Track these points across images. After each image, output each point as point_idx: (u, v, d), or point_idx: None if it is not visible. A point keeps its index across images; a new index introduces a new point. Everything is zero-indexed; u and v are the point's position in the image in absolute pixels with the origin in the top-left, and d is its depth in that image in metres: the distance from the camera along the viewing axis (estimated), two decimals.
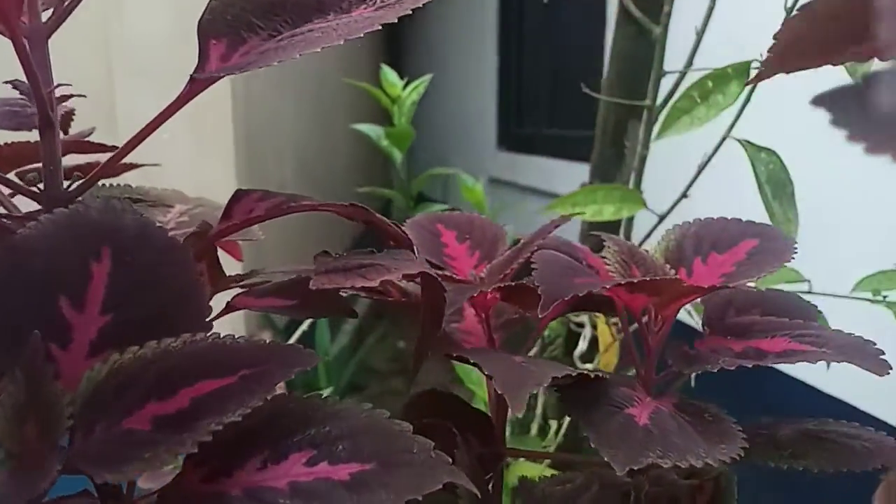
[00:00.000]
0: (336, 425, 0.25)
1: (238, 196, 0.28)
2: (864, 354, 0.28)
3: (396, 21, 0.26)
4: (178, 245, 0.27)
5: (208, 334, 0.25)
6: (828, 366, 0.32)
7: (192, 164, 1.58)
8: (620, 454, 0.25)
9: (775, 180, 0.70)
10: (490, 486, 0.36)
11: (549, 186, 2.40)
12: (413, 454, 0.24)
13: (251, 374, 0.24)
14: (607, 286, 0.31)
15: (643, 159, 0.83)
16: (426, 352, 0.27)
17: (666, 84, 0.80)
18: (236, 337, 0.26)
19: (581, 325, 0.98)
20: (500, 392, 0.25)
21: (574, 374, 0.28)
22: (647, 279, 0.31)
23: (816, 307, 0.41)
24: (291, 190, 0.36)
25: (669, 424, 0.28)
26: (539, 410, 0.96)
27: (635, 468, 0.25)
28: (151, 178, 0.44)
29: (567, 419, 0.73)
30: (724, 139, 0.74)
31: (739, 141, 0.72)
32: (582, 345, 0.96)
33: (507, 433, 0.71)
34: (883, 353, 0.28)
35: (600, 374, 0.30)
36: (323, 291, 0.29)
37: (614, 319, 1.01)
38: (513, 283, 0.31)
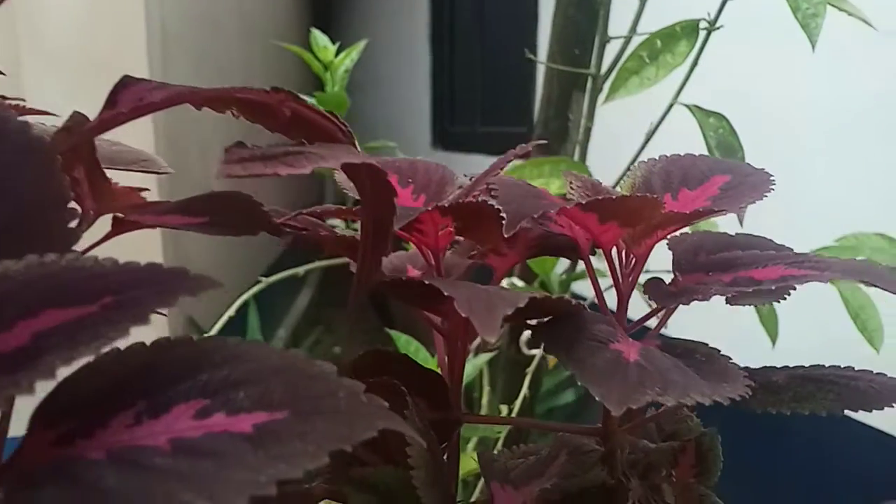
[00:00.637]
0: (238, 369, 0.19)
1: (125, 82, 0.22)
2: (875, 273, 0.24)
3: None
4: (36, 144, 0.21)
5: (66, 256, 0.19)
6: None
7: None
8: (614, 392, 0.20)
9: (725, 145, 0.67)
10: (446, 455, 0.31)
11: None
12: (338, 399, 0.18)
13: (115, 301, 0.18)
14: (582, 203, 0.25)
15: (588, 131, 0.79)
16: (369, 277, 0.22)
17: (610, 52, 0.77)
18: (101, 259, 0.19)
19: None
20: (465, 315, 0.19)
21: (552, 298, 0.23)
22: (624, 196, 0.26)
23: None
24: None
25: (663, 362, 0.23)
26: (486, 400, 0.91)
27: (633, 407, 0.20)
28: None
29: (519, 403, 0.69)
30: (671, 105, 0.71)
31: (687, 106, 0.69)
32: (528, 331, 0.91)
33: None
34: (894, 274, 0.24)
35: (578, 303, 0.25)
36: (241, 204, 0.23)
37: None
38: (469, 204, 0.26)
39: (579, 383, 0.21)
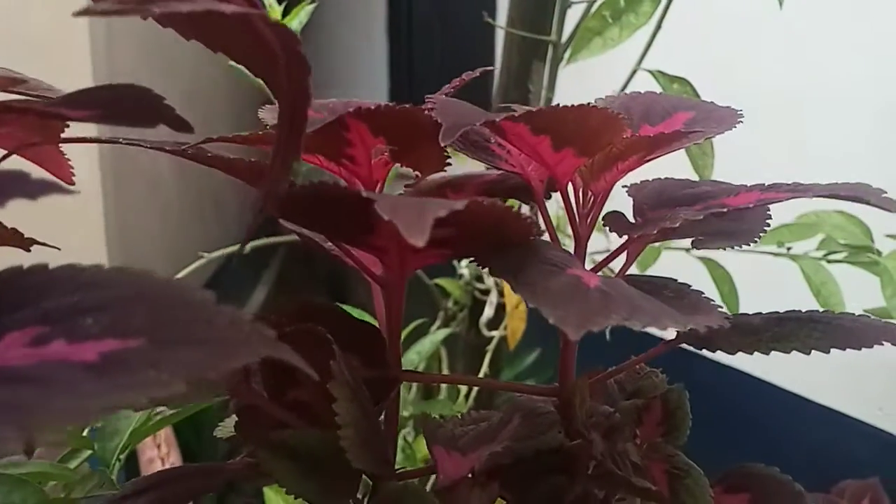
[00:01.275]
0: (92, 296, 0.15)
1: None
2: (864, 191, 0.21)
3: None
4: None
5: None
6: None
7: None
8: (572, 315, 0.17)
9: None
10: (384, 416, 0.27)
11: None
12: (212, 326, 0.14)
13: None
14: (533, 118, 0.22)
15: (549, 102, 0.76)
16: (278, 185, 0.18)
17: (572, 20, 0.74)
18: None
19: (486, 292, 0.91)
20: (388, 218, 0.15)
21: (498, 205, 0.19)
22: (581, 109, 0.22)
23: None
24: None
25: (629, 290, 0.19)
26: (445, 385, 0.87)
27: (595, 329, 0.17)
28: None
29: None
30: (634, 71, 0.69)
31: (650, 71, 0.67)
32: (488, 311, 0.88)
33: (413, 396, 0.64)
34: (885, 192, 0.22)
35: (531, 219, 0.21)
36: (137, 94, 0.19)
37: None
38: (403, 110, 0.22)
39: (531, 305, 0.18)
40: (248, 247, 0.82)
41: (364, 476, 0.25)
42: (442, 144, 0.20)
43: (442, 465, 0.26)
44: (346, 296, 1.96)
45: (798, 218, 0.90)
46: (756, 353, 0.23)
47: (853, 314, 0.26)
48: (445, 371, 0.95)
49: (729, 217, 0.32)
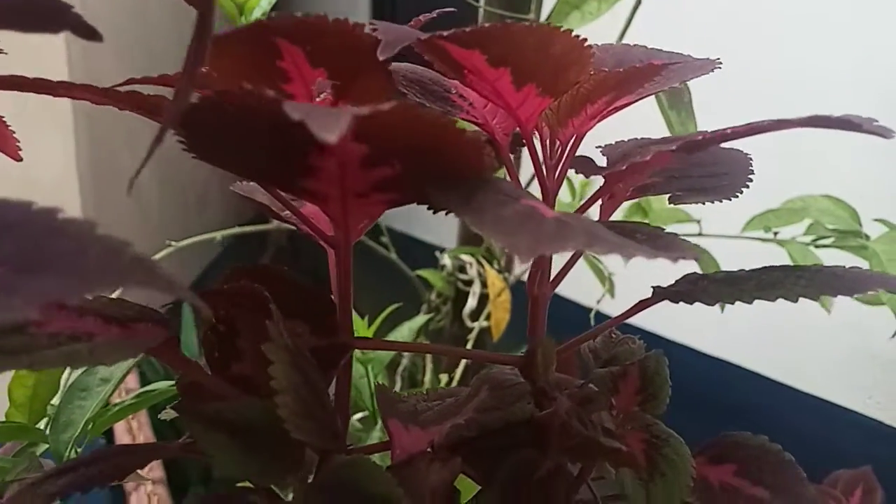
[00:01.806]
0: None
1: None
2: (853, 119, 0.19)
3: None
4: None
5: None
6: None
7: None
8: (523, 239, 0.15)
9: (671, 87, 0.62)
10: (335, 389, 0.24)
11: None
12: (82, 255, 0.12)
13: None
14: (484, 28, 0.20)
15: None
16: (185, 95, 0.15)
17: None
18: None
19: (469, 283, 0.89)
20: (298, 119, 0.13)
21: (431, 113, 0.17)
22: (542, 31, 0.20)
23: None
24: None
25: (588, 221, 0.17)
26: (428, 377, 0.85)
27: (547, 253, 0.15)
28: None
29: (459, 374, 0.63)
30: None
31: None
32: (471, 301, 0.86)
33: (398, 387, 0.61)
34: (876, 120, 0.19)
35: (479, 137, 0.19)
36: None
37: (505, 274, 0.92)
38: (336, 23, 0.19)
39: (480, 232, 0.15)
40: (233, 237, 0.80)
41: (313, 452, 0.22)
42: (380, 59, 0.18)
43: (398, 439, 0.24)
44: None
45: (785, 203, 0.89)
46: (739, 302, 0.21)
47: (843, 266, 0.24)
48: (430, 366, 0.92)
49: (709, 172, 0.30)
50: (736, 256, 0.87)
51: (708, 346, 1.24)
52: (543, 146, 0.26)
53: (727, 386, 1.20)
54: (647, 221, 0.91)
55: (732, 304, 0.21)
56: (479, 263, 0.89)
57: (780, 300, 0.21)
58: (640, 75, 0.23)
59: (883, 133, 0.18)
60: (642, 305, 0.25)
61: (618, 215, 0.95)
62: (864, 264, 0.77)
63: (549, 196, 0.26)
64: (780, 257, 0.82)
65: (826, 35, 1.11)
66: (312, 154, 0.18)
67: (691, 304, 0.22)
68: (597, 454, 0.24)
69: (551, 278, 0.27)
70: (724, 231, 0.89)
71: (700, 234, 0.89)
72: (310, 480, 0.22)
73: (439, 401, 0.29)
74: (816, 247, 0.84)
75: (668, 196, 0.29)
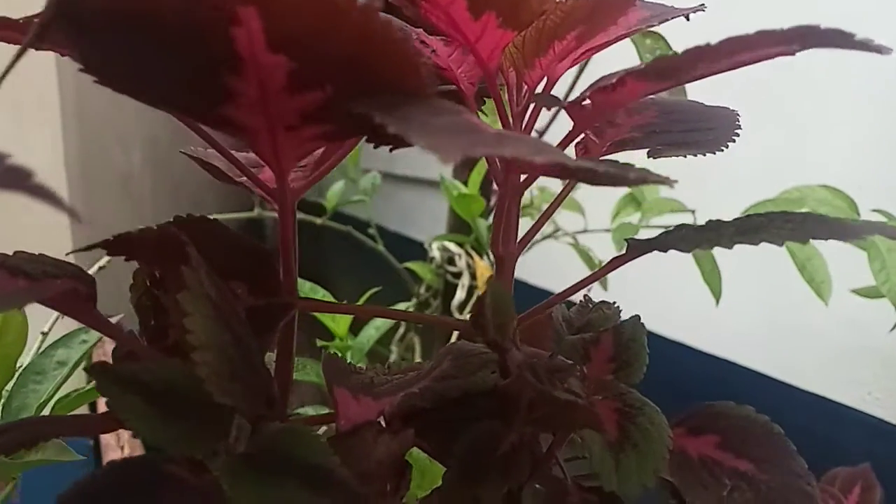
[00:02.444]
0: None
1: None
2: (842, 35, 0.17)
3: None
4: None
5: None
6: None
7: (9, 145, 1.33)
8: (451, 141, 0.12)
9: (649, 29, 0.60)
10: (276, 352, 0.22)
11: (426, 174, 2.29)
12: None
13: None
14: None
15: None
16: None
17: None
18: None
19: (458, 275, 0.86)
20: None
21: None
22: None
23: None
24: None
25: (537, 139, 0.15)
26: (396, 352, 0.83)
27: (475, 155, 0.12)
28: None
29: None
30: None
31: None
32: (460, 293, 0.84)
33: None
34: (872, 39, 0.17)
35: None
36: None
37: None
38: None
39: (403, 136, 0.13)
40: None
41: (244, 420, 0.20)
42: None
43: (345, 409, 0.21)
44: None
45: (781, 194, 0.87)
46: (718, 248, 0.18)
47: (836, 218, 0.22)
48: (418, 360, 0.90)
49: (692, 127, 0.28)
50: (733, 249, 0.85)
51: (702, 343, 1.21)
52: (510, 92, 0.24)
53: (722, 383, 1.17)
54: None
55: (710, 249, 0.19)
56: (468, 255, 0.87)
57: (767, 233, 0.19)
58: (612, 6, 0.21)
59: (878, 49, 0.16)
60: (616, 263, 0.23)
61: (610, 208, 0.92)
62: (862, 255, 0.75)
63: None
64: (777, 248, 0.80)
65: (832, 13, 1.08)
66: (228, 72, 0.16)
67: (665, 251, 0.20)
68: (566, 423, 0.22)
69: (518, 239, 0.25)
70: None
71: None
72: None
73: (401, 375, 0.27)
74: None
75: (646, 151, 0.26)
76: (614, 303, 0.27)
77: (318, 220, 0.83)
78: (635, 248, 0.22)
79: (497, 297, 0.18)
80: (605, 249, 0.84)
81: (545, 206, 0.97)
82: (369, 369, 0.26)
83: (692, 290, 0.96)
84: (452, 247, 0.88)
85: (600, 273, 0.23)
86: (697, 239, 0.19)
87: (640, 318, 0.25)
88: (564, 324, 0.26)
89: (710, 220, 0.20)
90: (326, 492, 0.17)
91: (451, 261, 0.88)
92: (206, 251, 0.21)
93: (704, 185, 1.00)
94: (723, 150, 0.26)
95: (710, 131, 0.27)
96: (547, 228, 0.92)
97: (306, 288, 0.62)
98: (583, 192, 0.97)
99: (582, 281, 0.24)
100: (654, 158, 0.26)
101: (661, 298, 1.03)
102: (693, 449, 0.22)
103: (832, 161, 1.02)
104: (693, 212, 0.85)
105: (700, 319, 1.21)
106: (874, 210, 0.79)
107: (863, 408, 1.02)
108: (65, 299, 0.18)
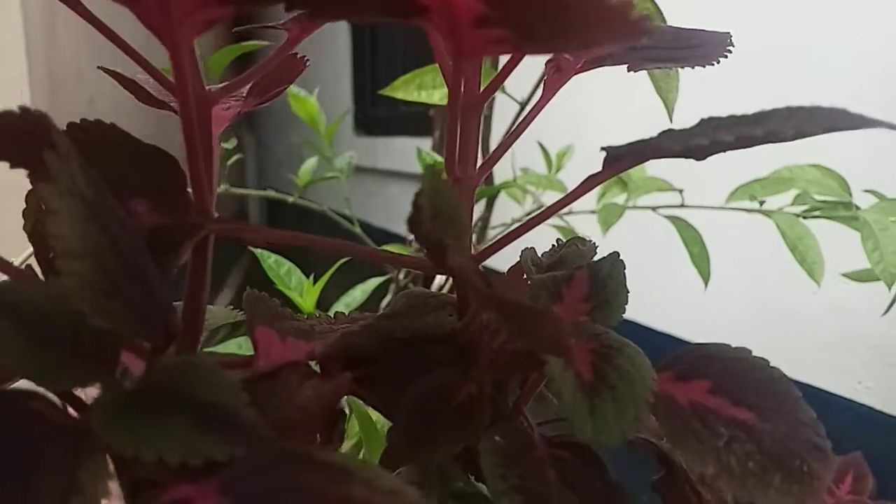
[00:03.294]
0: None
1: None
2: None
3: None
4: None
5: None
6: None
7: None
8: None
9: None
10: (190, 275, 0.19)
11: (411, 167, 2.26)
12: None
13: None
14: None
15: (488, 119, 0.69)
16: None
17: None
18: None
19: None
20: None
21: None
22: None
23: None
24: None
25: None
26: None
27: None
28: None
29: None
30: None
31: None
32: (439, 278, 0.80)
33: None
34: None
35: None
36: None
37: None
38: None
39: None
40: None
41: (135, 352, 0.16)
42: None
43: (265, 348, 0.18)
44: None
45: (772, 173, 0.84)
46: (718, 151, 0.15)
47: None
48: None
49: (679, 45, 0.24)
50: (720, 227, 0.82)
51: (686, 332, 1.19)
52: None
53: None
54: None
55: (707, 144, 0.15)
56: None
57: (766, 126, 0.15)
58: None
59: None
60: (592, 181, 0.19)
61: (596, 190, 0.89)
62: (855, 235, 0.73)
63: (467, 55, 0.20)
64: (766, 229, 0.78)
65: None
66: None
67: (650, 157, 0.16)
68: (530, 359, 0.18)
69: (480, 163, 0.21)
70: (707, 202, 0.84)
71: (682, 206, 0.84)
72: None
73: (349, 324, 0.23)
74: (805, 218, 0.79)
75: (625, 66, 0.23)
76: (590, 239, 0.23)
77: (290, 199, 0.79)
78: (614, 159, 0.18)
79: (435, 185, 0.15)
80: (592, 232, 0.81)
81: (530, 188, 0.94)
82: (310, 317, 0.23)
83: (677, 277, 0.93)
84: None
85: (575, 194, 0.20)
86: (690, 137, 0.16)
87: (618, 255, 0.22)
88: (534, 267, 0.23)
89: (702, 119, 0.17)
90: (221, 433, 0.14)
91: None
92: (103, 163, 0.18)
93: (692, 166, 0.97)
94: (713, 65, 0.23)
95: (700, 48, 0.24)
96: (532, 209, 0.89)
97: (271, 261, 0.58)
98: (567, 173, 0.94)
99: (552, 206, 0.20)
100: (634, 72, 0.22)
101: (644, 285, 1.00)
102: (682, 396, 0.18)
103: (822, 143, 1.00)
104: (681, 191, 0.82)
105: (685, 307, 1.19)
106: (866, 191, 0.76)
107: (853, 396, 1.00)
108: None
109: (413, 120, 2.37)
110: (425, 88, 0.68)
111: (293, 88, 0.84)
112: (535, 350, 0.17)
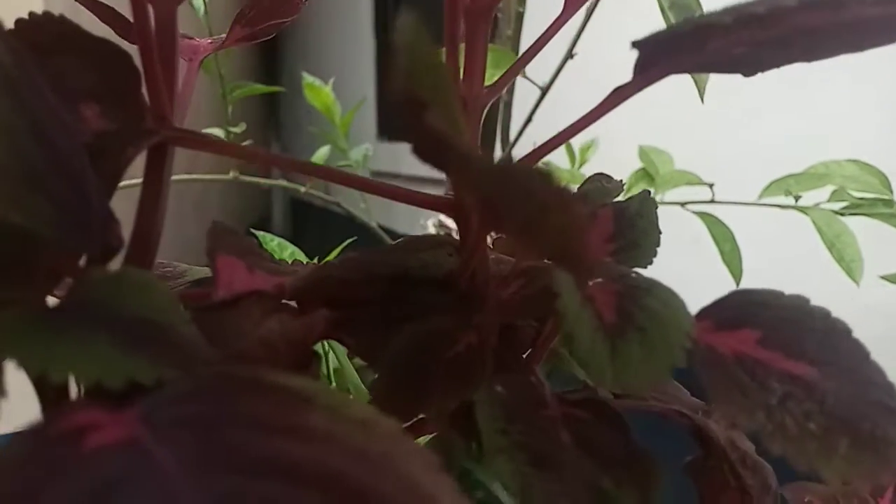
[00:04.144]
0: None
1: None
2: None
3: None
4: None
5: None
6: None
7: None
8: None
9: (680, 5, 0.54)
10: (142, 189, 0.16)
11: (435, 173, 2.23)
12: None
13: None
14: None
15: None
16: None
17: None
18: None
19: None
20: None
21: None
22: None
23: None
24: None
25: None
26: None
27: None
28: None
29: None
30: None
31: None
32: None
33: None
34: None
35: None
36: None
37: None
38: None
39: None
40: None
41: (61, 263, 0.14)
42: None
43: (226, 277, 0.15)
44: None
45: (807, 169, 0.80)
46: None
47: None
48: None
49: None
50: (752, 224, 0.79)
51: None
52: None
53: None
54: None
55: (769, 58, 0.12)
56: None
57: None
58: None
59: None
60: (622, 94, 0.16)
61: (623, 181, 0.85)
62: (894, 232, 0.69)
63: None
64: (801, 226, 0.74)
65: None
66: None
67: (702, 68, 0.13)
68: (547, 309, 0.15)
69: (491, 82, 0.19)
70: (739, 197, 0.80)
71: (712, 202, 0.81)
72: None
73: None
74: (842, 215, 0.75)
75: None
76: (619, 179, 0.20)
77: (303, 188, 0.77)
78: (647, 63, 0.15)
79: (418, 41, 0.12)
80: None
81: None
82: (295, 262, 0.20)
83: (707, 275, 0.89)
84: (450, 222, 0.82)
85: (600, 110, 0.17)
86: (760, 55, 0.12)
87: (649, 192, 0.19)
88: None
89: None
90: (150, 353, 0.11)
91: (448, 237, 0.82)
92: (53, 62, 0.15)
93: (721, 160, 0.94)
94: None
95: None
96: None
97: (273, 244, 0.55)
98: (591, 167, 0.90)
99: (582, 119, 0.17)
100: None
101: (673, 283, 0.96)
102: (725, 347, 0.15)
103: (857, 140, 0.96)
104: (711, 185, 0.78)
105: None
106: None
107: None
108: None
109: None
110: None
111: (308, 77, 0.82)
112: (551, 286, 0.14)
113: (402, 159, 2.70)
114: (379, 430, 0.11)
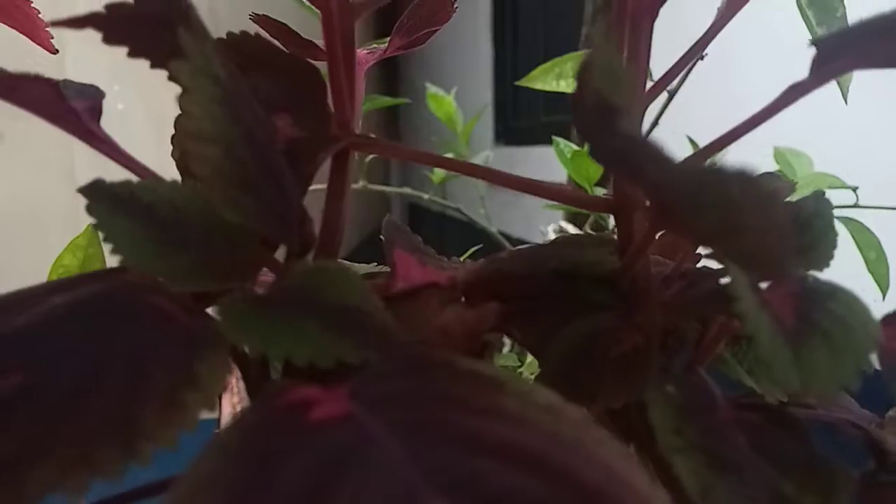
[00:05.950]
0: None
1: None
2: None
3: None
4: None
5: None
6: None
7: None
8: None
9: (819, 3, 0.51)
10: (330, 187, 0.17)
11: (550, 177, 2.22)
12: None
13: None
14: None
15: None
16: None
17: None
18: None
19: None
20: None
21: None
22: None
23: None
24: None
25: None
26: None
27: None
28: None
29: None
30: None
31: None
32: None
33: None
34: None
35: None
36: None
37: None
38: None
39: None
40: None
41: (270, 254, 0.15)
42: None
43: (403, 270, 0.16)
44: None
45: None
46: None
47: None
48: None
49: None
50: None
51: None
52: None
53: None
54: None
55: None
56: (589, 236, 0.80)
57: None
58: None
59: None
60: (798, 90, 0.16)
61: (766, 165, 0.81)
62: None
63: None
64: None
65: None
66: None
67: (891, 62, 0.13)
68: (716, 308, 0.15)
69: None
70: (885, 202, 0.74)
71: (856, 206, 0.75)
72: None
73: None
74: None
75: None
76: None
77: (425, 196, 0.79)
78: (826, 57, 0.15)
79: (608, 49, 0.12)
80: None
81: None
82: (454, 259, 0.21)
83: (850, 286, 0.83)
84: (571, 228, 0.81)
85: (778, 104, 0.16)
86: None
87: (824, 192, 0.18)
88: None
89: None
90: (354, 336, 0.12)
91: (610, 236, 0.81)
92: (250, 78, 0.17)
93: (868, 161, 0.87)
94: None
95: None
96: None
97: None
98: None
99: (754, 117, 0.16)
100: None
101: None
102: None
103: None
104: (855, 189, 0.73)
105: None
106: None
107: None
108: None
109: (553, 130, 2.33)
110: (565, 77, 0.65)
111: (431, 88, 0.84)
112: (725, 289, 0.14)
113: (516, 163, 2.70)
114: (566, 416, 0.11)
